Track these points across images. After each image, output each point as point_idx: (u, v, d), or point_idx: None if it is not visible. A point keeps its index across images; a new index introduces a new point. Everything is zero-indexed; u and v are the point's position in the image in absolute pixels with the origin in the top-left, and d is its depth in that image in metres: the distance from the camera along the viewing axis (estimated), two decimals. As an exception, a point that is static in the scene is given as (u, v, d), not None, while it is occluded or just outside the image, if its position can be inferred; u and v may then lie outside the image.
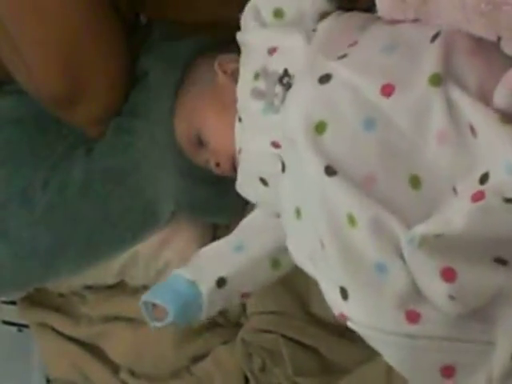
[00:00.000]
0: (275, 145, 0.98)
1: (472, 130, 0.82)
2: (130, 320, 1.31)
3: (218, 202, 1.19)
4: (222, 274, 1.04)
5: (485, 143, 0.81)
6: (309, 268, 0.94)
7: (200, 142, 1.10)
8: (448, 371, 0.83)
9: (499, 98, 0.81)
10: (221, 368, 1.26)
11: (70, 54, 1.08)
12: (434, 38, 0.87)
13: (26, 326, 1.40)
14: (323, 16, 1.02)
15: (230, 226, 1.27)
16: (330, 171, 0.86)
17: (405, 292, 0.81)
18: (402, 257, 0.81)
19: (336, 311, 0.87)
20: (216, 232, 1.27)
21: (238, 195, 1.09)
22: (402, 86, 0.85)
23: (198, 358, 1.29)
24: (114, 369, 1.33)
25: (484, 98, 0.82)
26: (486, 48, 0.85)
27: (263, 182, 1.03)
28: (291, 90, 0.94)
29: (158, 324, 1.05)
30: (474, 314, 0.80)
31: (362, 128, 0.86)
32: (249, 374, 1.24)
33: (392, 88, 0.85)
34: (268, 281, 1.09)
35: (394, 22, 0.93)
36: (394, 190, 0.84)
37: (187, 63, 1.15)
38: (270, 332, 1.22)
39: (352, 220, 0.84)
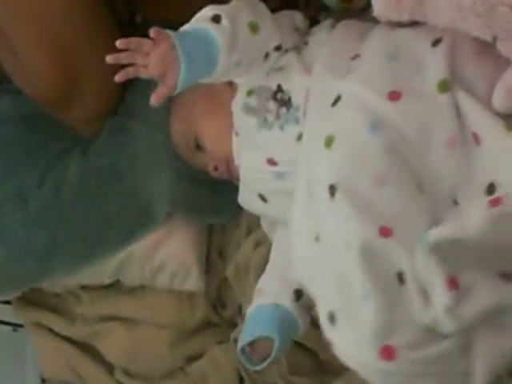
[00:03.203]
0: (271, 162, 0.98)
1: (475, 138, 0.82)
2: (125, 320, 1.31)
3: (213, 203, 1.19)
4: (295, 286, 1.02)
5: (489, 152, 0.81)
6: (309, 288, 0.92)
7: (198, 146, 1.10)
8: None
9: (497, 100, 0.81)
10: (216, 368, 1.26)
11: (65, 54, 1.08)
12: (436, 42, 0.88)
13: (20, 326, 1.40)
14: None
15: (226, 226, 1.27)
16: (332, 191, 0.85)
17: (381, 326, 0.79)
18: (388, 289, 0.80)
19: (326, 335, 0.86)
20: (211, 232, 1.27)
21: (234, 196, 1.09)
22: (408, 92, 0.86)
23: (193, 358, 1.29)
24: (109, 369, 1.33)
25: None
26: (489, 49, 0.85)
27: (262, 198, 1.03)
28: (308, 120, 0.94)
29: (264, 363, 1.00)
30: (453, 338, 0.78)
31: (367, 131, 0.86)
32: (244, 374, 1.24)
33: (399, 94, 0.86)
34: None
35: (391, 24, 0.93)
36: (402, 192, 0.83)
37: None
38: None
39: (348, 245, 0.83)
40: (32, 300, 1.35)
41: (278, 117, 0.98)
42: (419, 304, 0.79)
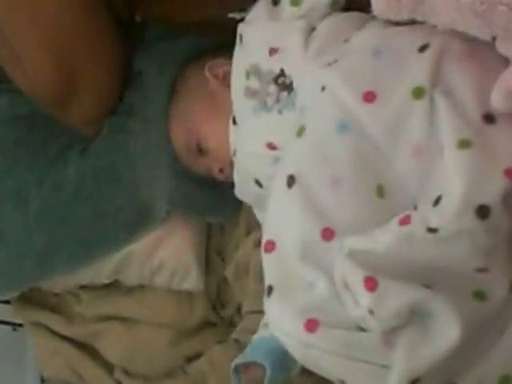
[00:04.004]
0: (271, 146, 0.98)
1: (441, 148, 0.81)
2: (124, 319, 1.31)
3: (212, 202, 1.19)
4: None
5: (445, 164, 0.81)
6: None
7: (200, 150, 1.10)
8: None
9: (496, 100, 0.80)
10: (215, 367, 1.25)
11: (64, 54, 1.07)
12: (423, 48, 0.87)
13: (20, 325, 1.40)
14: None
15: (225, 226, 1.27)
16: (290, 181, 0.87)
17: (314, 305, 0.82)
18: (330, 276, 0.82)
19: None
20: (210, 232, 1.27)
21: (233, 194, 1.09)
22: (383, 94, 0.85)
23: (192, 358, 1.29)
24: (109, 368, 1.33)
25: (481, 98, 0.82)
26: (481, 50, 0.85)
27: (258, 183, 1.02)
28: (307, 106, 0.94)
29: None
30: (375, 334, 0.79)
31: (336, 131, 0.86)
32: (243, 374, 1.24)
33: (374, 96, 0.85)
34: None
35: (389, 22, 0.93)
36: (357, 196, 0.84)
37: (181, 63, 1.16)
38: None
39: (291, 241, 0.85)
40: (31, 299, 1.35)
41: (277, 100, 0.97)
42: (350, 304, 0.80)
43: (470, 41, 0.85)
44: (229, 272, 1.24)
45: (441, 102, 0.82)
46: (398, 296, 0.77)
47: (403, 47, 0.89)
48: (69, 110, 1.14)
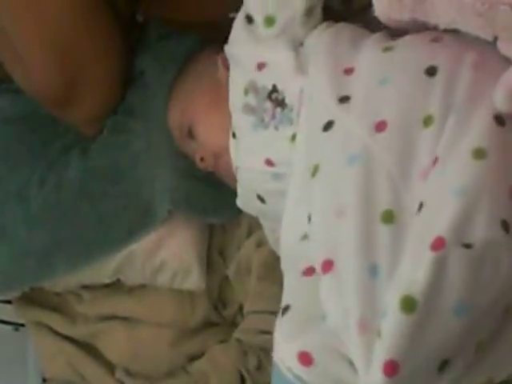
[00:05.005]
0: (269, 163, 0.98)
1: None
2: (126, 319, 1.30)
3: (214, 202, 1.19)
4: None
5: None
6: None
7: (189, 134, 1.10)
8: None
9: (499, 100, 0.80)
10: (217, 367, 1.25)
11: (66, 53, 1.08)
12: (431, 71, 0.86)
13: (22, 325, 1.40)
14: (311, 24, 1.01)
15: (227, 226, 1.27)
16: (308, 219, 0.88)
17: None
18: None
19: None
20: (212, 232, 1.27)
21: (235, 195, 1.09)
22: (394, 122, 0.84)
23: (194, 358, 1.29)
24: (110, 368, 1.32)
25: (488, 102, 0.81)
26: (483, 50, 0.85)
27: (260, 199, 1.03)
28: (298, 134, 0.94)
29: None
30: None
31: (345, 162, 0.85)
32: (245, 373, 1.24)
33: (385, 125, 0.85)
34: None
35: (390, 21, 0.93)
36: (360, 228, 0.80)
37: (183, 63, 1.16)
38: (266, 333, 1.22)
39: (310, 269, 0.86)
40: (33, 299, 1.35)
41: (273, 117, 0.98)
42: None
43: (473, 48, 0.84)
44: (230, 272, 1.24)
45: (449, 122, 0.82)
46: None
47: (409, 71, 0.88)
48: (71, 109, 1.14)
